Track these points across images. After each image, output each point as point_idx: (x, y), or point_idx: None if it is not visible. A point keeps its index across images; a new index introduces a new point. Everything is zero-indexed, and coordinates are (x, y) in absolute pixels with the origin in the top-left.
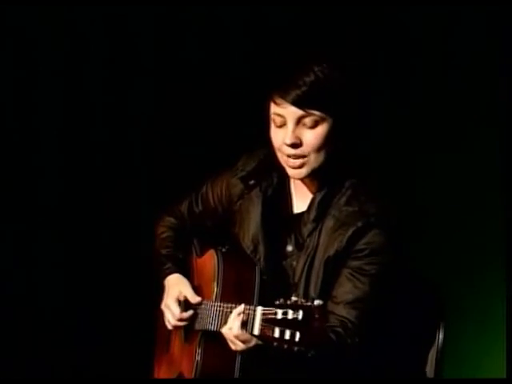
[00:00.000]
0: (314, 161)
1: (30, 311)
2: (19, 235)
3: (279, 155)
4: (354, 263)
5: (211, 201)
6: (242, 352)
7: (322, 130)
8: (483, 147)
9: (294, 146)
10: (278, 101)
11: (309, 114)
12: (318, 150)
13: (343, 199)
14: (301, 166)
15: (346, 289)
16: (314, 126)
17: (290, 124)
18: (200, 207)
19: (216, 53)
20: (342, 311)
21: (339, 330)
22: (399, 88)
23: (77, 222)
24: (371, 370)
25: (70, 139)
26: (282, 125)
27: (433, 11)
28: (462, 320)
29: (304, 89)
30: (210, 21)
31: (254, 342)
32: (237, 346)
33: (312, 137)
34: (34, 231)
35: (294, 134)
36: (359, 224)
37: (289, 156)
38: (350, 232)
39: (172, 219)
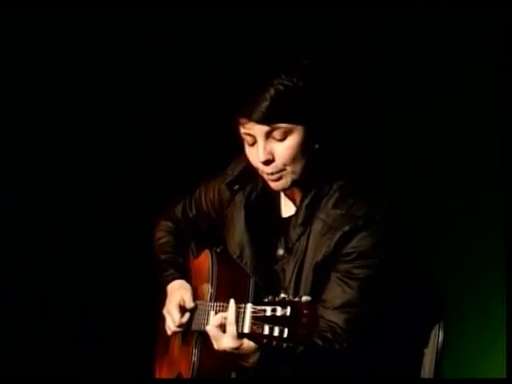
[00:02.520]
0: (291, 172)
1: (30, 311)
2: (19, 235)
3: (260, 172)
4: (343, 267)
5: (204, 205)
6: (223, 351)
7: (292, 140)
8: (483, 147)
9: (268, 162)
10: (243, 121)
11: (275, 128)
12: (293, 161)
13: (331, 202)
14: (280, 179)
15: (335, 293)
16: (284, 138)
17: (260, 141)
18: (194, 211)
19: (216, 53)
20: (331, 316)
21: (327, 334)
22: (399, 88)
23: (77, 222)
24: (371, 369)
25: (70, 139)
26: (254, 143)
27: (433, 11)
28: (462, 320)
29: (266, 104)
30: (210, 21)
31: (237, 343)
32: (218, 343)
33: (283, 149)
34: (34, 231)
35: (265, 150)
36: (346, 228)
37: (267, 172)
38: (337, 236)
39: (169, 223)
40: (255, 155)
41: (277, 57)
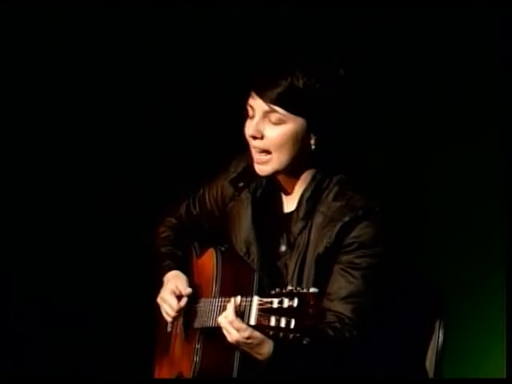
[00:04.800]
0: (276, 160)
1: (29, 311)
2: (19, 235)
3: (251, 149)
4: (345, 258)
5: (207, 203)
6: (237, 344)
7: (285, 128)
8: (484, 147)
9: (254, 137)
10: (252, 93)
11: (274, 111)
12: (280, 147)
13: (331, 195)
14: (265, 163)
15: (340, 285)
16: (278, 123)
17: (257, 117)
18: (197, 209)
19: (216, 54)
20: (337, 307)
21: (337, 325)
22: (399, 88)
23: (77, 222)
24: (371, 370)
25: (70, 140)
26: (253, 117)
27: (433, 11)
28: (461, 320)
29: (278, 90)
30: (210, 21)
31: (248, 332)
32: (231, 334)
33: (273, 133)
34: (33, 231)
35: (256, 126)
36: (346, 219)
37: (254, 148)
38: (337, 227)
39: (173, 219)
40: (248, 128)
41: (307, 50)
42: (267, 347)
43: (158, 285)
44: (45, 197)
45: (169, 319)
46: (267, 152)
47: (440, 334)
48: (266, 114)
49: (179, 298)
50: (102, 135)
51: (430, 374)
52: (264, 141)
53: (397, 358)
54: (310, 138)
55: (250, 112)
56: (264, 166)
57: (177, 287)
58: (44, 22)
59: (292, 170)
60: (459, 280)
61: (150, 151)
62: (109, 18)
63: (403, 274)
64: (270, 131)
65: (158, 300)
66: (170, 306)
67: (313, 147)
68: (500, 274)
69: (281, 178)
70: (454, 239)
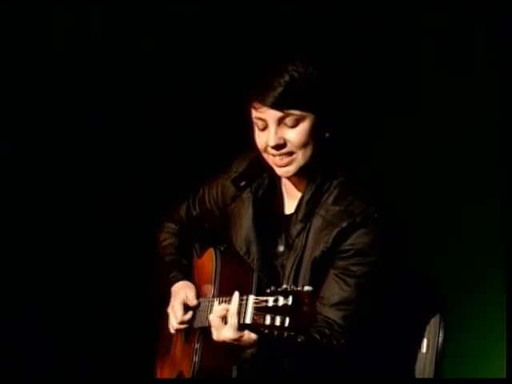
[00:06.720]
0: (301, 157)
1: (30, 311)
2: (19, 235)
3: (266, 156)
4: (340, 264)
5: (208, 204)
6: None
7: (304, 127)
8: (485, 147)
9: (278, 147)
10: (257, 105)
11: (288, 115)
12: (304, 146)
13: (331, 198)
14: (288, 164)
15: (333, 290)
16: (296, 124)
17: (272, 126)
18: (197, 210)
19: (216, 54)
20: (328, 312)
21: (325, 330)
22: (399, 88)
23: (77, 222)
24: (370, 369)
25: (70, 140)
26: (265, 128)
27: (433, 11)
28: (461, 320)
29: (280, 90)
30: (210, 21)
31: (238, 334)
32: (219, 332)
33: (295, 135)
34: (33, 231)
35: (276, 135)
36: (344, 224)
37: (276, 156)
38: (334, 233)
39: (172, 225)
40: (265, 140)
41: (292, 46)
42: (251, 349)
43: (160, 287)
44: (45, 197)
45: (171, 330)
46: (290, 153)
47: (440, 334)
48: (280, 121)
49: (186, 309)
50: (102, 135)
51: (430, 374)
52: (288, 146)
53: (397, 358)
54: (324, 133)
55: (260, 124)
56: (288, 168)
57: (187, 297)
58: (44, 22)
59: (301, 170)
60: (459, 280)
61: (151, 151)
62: (109, 18)
63: (403, 273)
64: (290, 135)
65: (168, 310)
66: (175, 317)
67: (326, 138)
68: (500, 274)
69: (285, 178)
70: (454, 239)
